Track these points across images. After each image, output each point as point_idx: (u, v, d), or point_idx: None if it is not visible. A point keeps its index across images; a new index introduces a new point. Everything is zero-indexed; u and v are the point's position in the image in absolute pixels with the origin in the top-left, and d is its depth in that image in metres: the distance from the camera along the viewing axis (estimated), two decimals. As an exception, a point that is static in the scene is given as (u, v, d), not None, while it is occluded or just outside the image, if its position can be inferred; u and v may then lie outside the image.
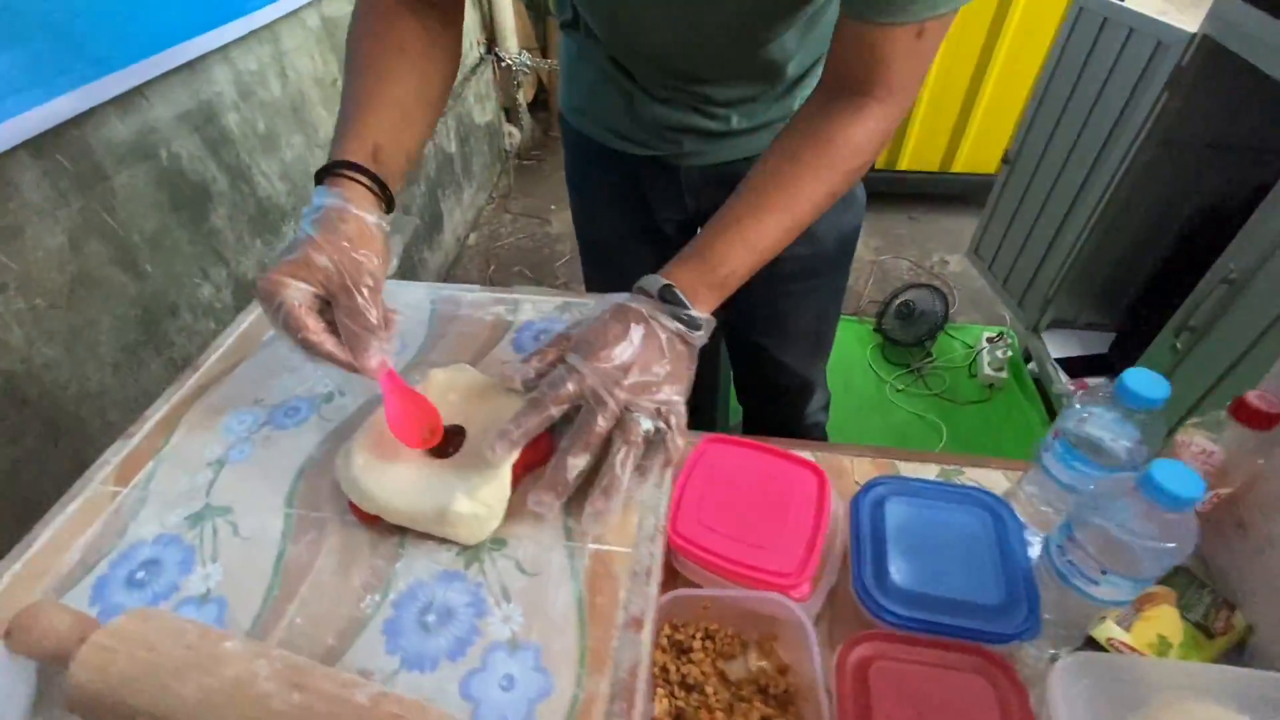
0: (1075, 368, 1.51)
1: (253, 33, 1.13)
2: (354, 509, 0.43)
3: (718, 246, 0.50)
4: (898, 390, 1.61)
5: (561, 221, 2.37)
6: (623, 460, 0.42)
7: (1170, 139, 1.23)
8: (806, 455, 0.64)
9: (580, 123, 0.76)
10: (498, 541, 0.42)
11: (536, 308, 0.60)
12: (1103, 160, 1.32)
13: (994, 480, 0.65)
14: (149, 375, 0.98)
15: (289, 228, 1.29)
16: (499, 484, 0.42)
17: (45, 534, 0.43)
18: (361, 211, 0.46)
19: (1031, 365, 1.63)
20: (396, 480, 0.42)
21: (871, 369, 1.68)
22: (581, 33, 0.67)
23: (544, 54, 2.58)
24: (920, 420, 1.54)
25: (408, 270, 1.81)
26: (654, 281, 0.49)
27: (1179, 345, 1.07)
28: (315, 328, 0.43)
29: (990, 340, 1.64)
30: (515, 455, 0.42)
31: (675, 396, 0.45)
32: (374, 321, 0.44)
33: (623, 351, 0.44)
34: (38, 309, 0.81)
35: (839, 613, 0.51)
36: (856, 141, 0.49)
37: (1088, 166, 1.35)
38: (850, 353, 1.72)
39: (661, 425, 0.43)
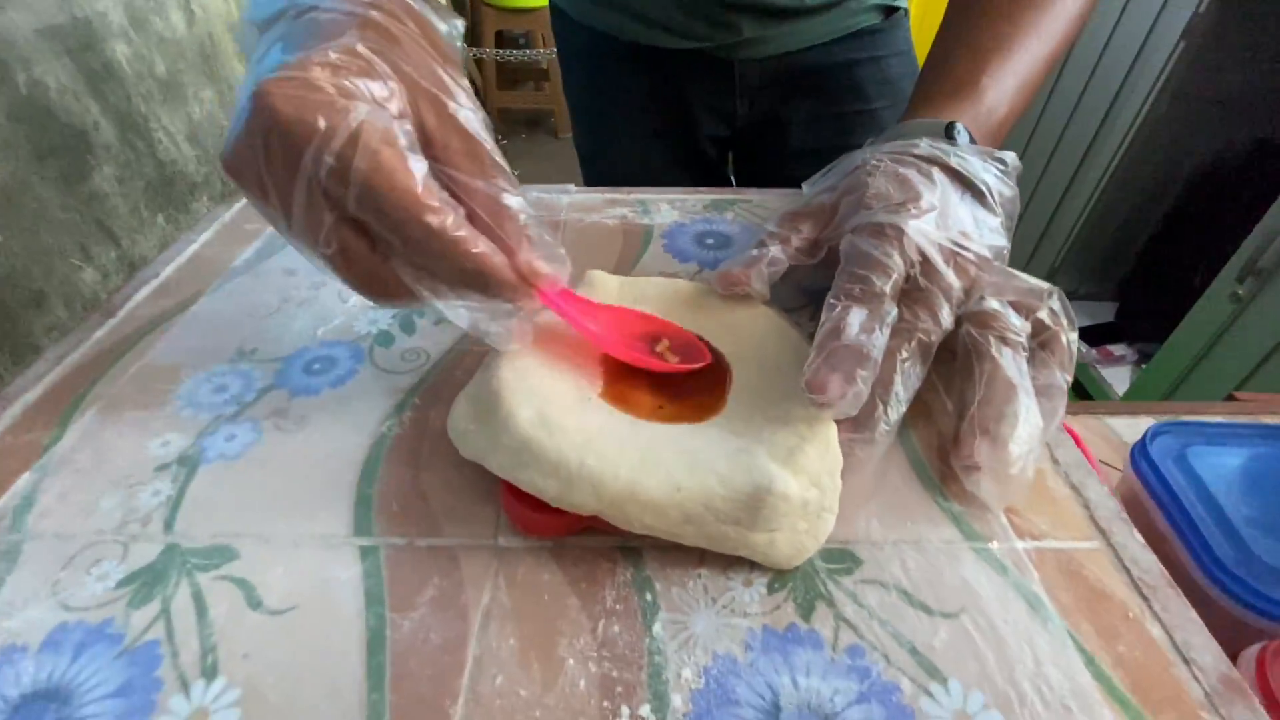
0: (1088, 338, 1.46)
1: (146, -60, 0.85)
2: (520, 514, 0.20)
3: (984, 80, 0.34)
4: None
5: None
6: (1018, 371, 0.23)
7: (1179, 95, 1.20)
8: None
9: (589, 14, 0.57)
10: (836, 556, 0.21)
11: (678, 207, 0.39)
12: (1111, 121, 1.28)
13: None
14: (0, 394, 0.66)
15: (201, 204, 0.99)
16: (827, 444, 0.21)
17: None
18: None
19: (1036, 342, 1.57)
20: (620, 444, 0.20)
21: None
22: None
23: (474, 41, 2.34)
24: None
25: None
26: (924, 125, 0.32)
27: (1241, 292, 1.01)
28: (439, 200, 0.19)
29: (995, 318, 1.57)
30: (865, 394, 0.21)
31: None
32: (518, 190, 0.22)
33: (944, 204, 0.27)
34: None
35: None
36: None
37: (1094, 128, 1.31)
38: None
39: (1044, 317, 0.25)
